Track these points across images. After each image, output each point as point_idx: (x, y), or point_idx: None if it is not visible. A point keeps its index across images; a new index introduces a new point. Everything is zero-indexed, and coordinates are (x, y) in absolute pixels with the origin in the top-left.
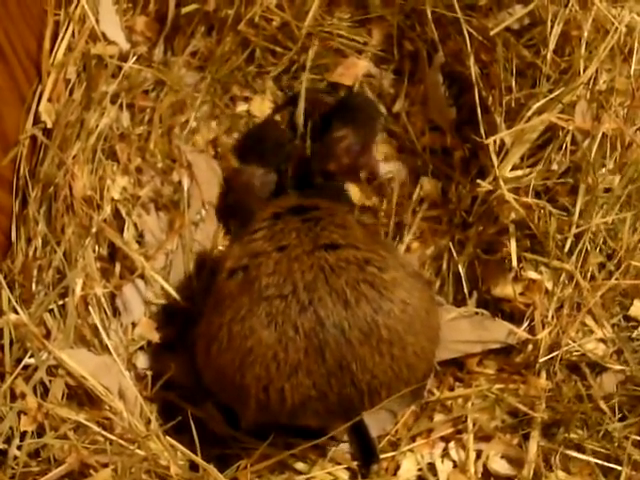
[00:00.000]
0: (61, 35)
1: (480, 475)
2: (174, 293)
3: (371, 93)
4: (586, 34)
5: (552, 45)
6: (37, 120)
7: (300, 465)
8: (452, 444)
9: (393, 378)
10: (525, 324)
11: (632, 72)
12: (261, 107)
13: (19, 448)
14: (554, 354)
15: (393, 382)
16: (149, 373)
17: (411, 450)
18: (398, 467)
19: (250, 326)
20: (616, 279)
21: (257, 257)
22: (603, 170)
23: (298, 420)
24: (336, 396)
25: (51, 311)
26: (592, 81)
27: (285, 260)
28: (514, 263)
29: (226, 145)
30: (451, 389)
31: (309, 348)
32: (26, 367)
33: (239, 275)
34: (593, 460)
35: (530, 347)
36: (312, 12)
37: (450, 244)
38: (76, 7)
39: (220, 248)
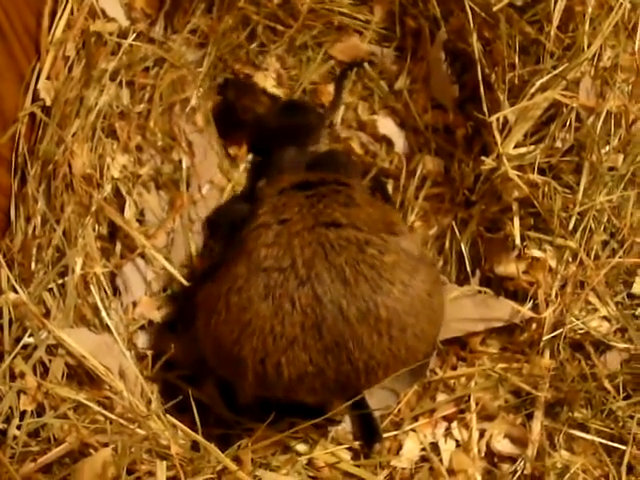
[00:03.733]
0: (60, 12)
1: (483, 455)
2: (175, 272)
3: (372, 71)
4: (590, 10)
5: (556, 21)
6: (36, 98)
7: (301, 446)
8: (455, 424)
9: (391, 359)
10: (529, 302)
11: (636, 48)
12: (264, 84)
13: (19, 428)
14: (558, 332)
15: (391, 363)
16: (149, 353)
17: (414, 430)
18: (400, 447)
19: (248, 297)
20: (620, 257)
21: (257, 229)
22: (607, 148)
23: (296, 395)
24: (333, 373)
25: (50, 290)
26: (596, 57)
27: (285, 233)
28: (517, 241)
29: None
30: (454, 368)
31: (306, 323)
32: (25, 346)
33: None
34: (597, 439)
35: (534, 326)
36: None
37: (453, 222)
38: None
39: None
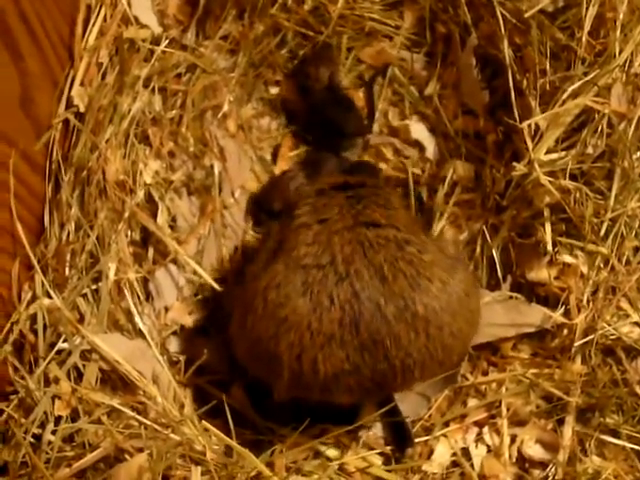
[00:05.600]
0: (93, 19)
1: (514, 460)
2: (207, 277)
3: (402, 76)
4: (621, 16)
5: (587, 27)
6: (70, 104)
7: (332, 451)
8: (486, 429)
9: (427, 357)
10: (560, 308)
11: None
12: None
13: (53, 433)
14: (589, 338)
15: (427, 362)
16: (182, 358)
17: (445, 435)
18: (432, 452)
19: (286, 294)
20: None
21: (297, 229)
22: (639, 154)
23: (331, 395)
24: (369, 371)
25: (84, 296)
26: (628, 64)
27: (325, 232)
28: (549, 247)
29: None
30: (485, 374)
31: (343, 320)
32: (60, 352)
33: (275, 245)
34: (628, 445)
35: (565, 331)
36: None
37: (484, 228)
38: None
39: (251, 233)
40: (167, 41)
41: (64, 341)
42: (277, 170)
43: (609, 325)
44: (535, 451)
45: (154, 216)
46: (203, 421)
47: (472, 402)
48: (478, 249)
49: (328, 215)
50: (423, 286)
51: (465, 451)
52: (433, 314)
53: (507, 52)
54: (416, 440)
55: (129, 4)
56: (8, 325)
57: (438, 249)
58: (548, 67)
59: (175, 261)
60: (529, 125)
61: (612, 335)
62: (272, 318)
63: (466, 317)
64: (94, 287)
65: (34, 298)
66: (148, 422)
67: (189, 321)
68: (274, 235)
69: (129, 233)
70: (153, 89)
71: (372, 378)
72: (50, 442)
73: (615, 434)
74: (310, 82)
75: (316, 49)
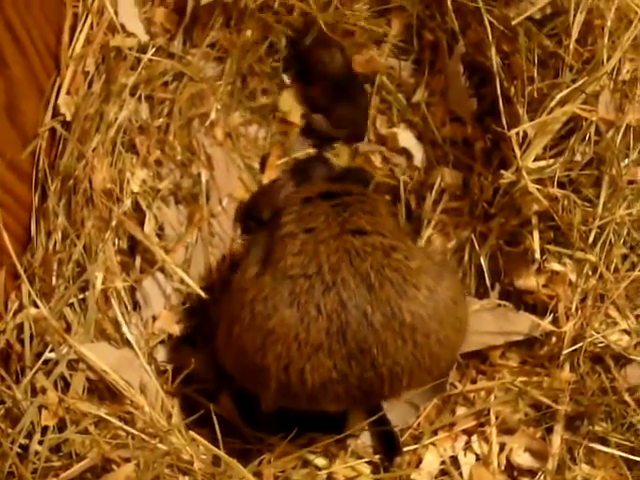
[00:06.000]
0: (80, 27)
1: (503, 468)
2: (194, 286)
3: (390, 84)
4: (609, 23)
5: (575, 35)
6: (56, 113)
7: (321, 460)
8: (475, 437)
9: (415, 365)
10: (548, 316)
11: None
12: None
13: (40, 443)
14: (578, 346)
15: (415, 370)
16: (169, 367)
17: (433, 443)
18: (420, 460)
19: (273, 305)
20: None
21: (284, 238)
22: (627, 161)
23: (319, 404)
24: (357, 379)
25: (71, 305)
26: (615, 71)
27: (312, 241)
28: (537, 255)
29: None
30: (474, 382)
31: (331, 329)
32: (47, 361)
33: (263, 255)
34: (617, 453)
35: (554, 339)
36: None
37: (472, 236)
38: None
39: (239, 241)
40: (154, 49)
41: (51, 351)
42: (265, 179)
43: (598, 333)
44: (524, 459)
45: (141, 225)
46: (191, 431)
47: (461, 410)
48: (466, 257)
49: (314, 224)
50: (410, 293)
51: (454, 460)
52: (420, 322)
53: (495, 59)
54: (405, 449)
55: (116, 12)
56: None
57: (425, 256)
58: (536, 74)
59: (162, 270)
60: (517, 133)
61: (601, 343)
62: (259, 329)
63: (453, 325)
64: (81, 296)
65: (21, 307)
66: (135, 432)
67: (177, 330)
68: (261, 244)
69: (116, 242)
70: (140, 97)
71: (360, 386)
72: (37, 452)
73: (604, 442)
74: (324, 66)
75: (314, 35)
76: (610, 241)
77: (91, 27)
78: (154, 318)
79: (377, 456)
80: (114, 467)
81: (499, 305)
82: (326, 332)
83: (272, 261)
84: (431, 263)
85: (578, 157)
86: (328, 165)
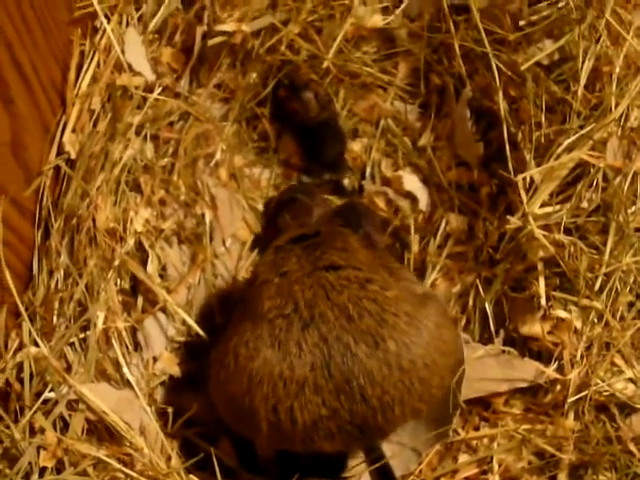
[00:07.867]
0: (86, 65)
1: None
2: (196, 327)
3: (396, 127)
4: (617, 70)
5: (583, 81)
6: (61, 151)
7: None
8: None
9: (405, 393)
10: (553, 363)
11: None
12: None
13: None
14: (583, 394)
15: (405, 397)
16: (170, 409)
17: None
18: None
19: (254, 347)
20: None
21: (260, 286)
22: (634, 208)
23: (313, 444)
24: (348, 414)
25: (72, 344)
26: (623, 118)
27: (286, 284)
28: (543, 301)
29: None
30: (476, 429)
31: (315, 364)
32: (46, 401)
33: (241, 305)
34: None
35: (558, 387)
36: (336, 43)
37: (477, 281)
38: (102, 37)
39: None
40: (160, 89)
41: (50, 390)
42: None
43: (603, 381)
44: None
45: (144, 264)
46: (190, 474)
47: (463, 457)
48: (471, 302)
49: (287, 267)
50: (390, 322)
51: None
52: (404, 348)
53: (502, 104)
54: None
55: (123, 51)
56: None
57: (402, 285)
58: (543, 120)
59: (164, 310)
60: (524, 178)
61: (606, 391)
62: (244, 372)
63: (439, 348)
64: (82, 336)
65: (21, 346)
66: (134, 474)
67: (178, 371)
68: (240, 299)
69: (118, 281)
70: (145, 137)
71: (352, 421)
72: None
73: None
74: (301, 115)
75: (286, 80)
76: (616, 289)
77: (98, 65)
78: (155, 359)
79: None
80: None
81: (503, 351)
82: (310, 367)
83: (250, 309)
84: (408, 293)
85: (585, 204)
86: (324, 205)
